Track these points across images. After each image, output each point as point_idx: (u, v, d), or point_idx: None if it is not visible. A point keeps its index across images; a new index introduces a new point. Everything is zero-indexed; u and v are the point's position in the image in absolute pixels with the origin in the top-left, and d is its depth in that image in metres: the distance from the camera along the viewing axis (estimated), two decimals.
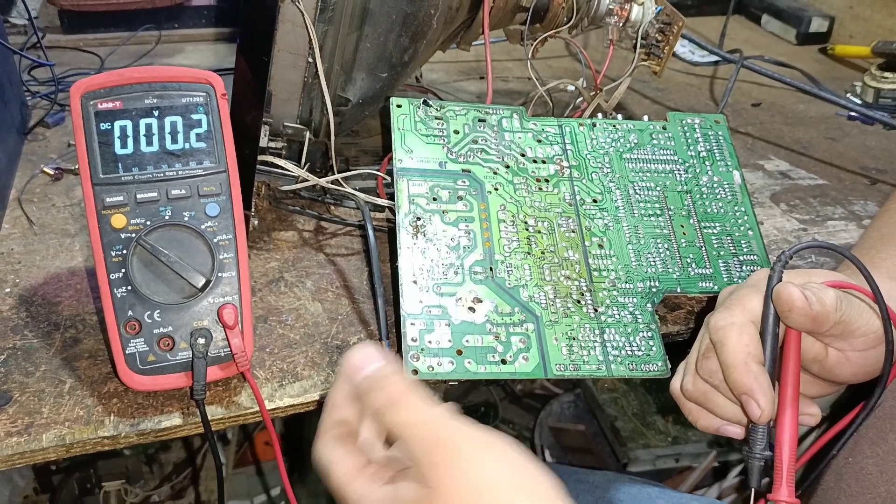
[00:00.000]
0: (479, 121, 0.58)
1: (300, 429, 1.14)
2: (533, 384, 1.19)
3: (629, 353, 0.50)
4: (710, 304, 0.56)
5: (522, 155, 0.57)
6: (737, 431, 0.43)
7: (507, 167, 0.56)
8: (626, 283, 0.53)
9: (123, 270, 0.43)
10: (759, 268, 0.55)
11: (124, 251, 0.43)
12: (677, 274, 0.54)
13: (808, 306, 0.39)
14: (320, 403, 0.47)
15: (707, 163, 0.60)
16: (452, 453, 0.31)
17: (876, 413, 0.41)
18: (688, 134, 0.61)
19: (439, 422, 0.32)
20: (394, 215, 0.53)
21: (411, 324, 0.48)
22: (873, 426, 0.42)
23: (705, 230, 0.57)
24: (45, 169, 0.68)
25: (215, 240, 0.45)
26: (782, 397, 0.40)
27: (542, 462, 0.33)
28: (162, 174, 0.44)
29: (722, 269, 0.55)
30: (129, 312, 0.43)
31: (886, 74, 0.92)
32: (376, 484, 0.32)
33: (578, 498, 0.55)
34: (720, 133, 0.62)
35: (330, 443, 0.34)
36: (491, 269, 0.51)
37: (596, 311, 0.51)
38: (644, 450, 1.03)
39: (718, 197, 0.58)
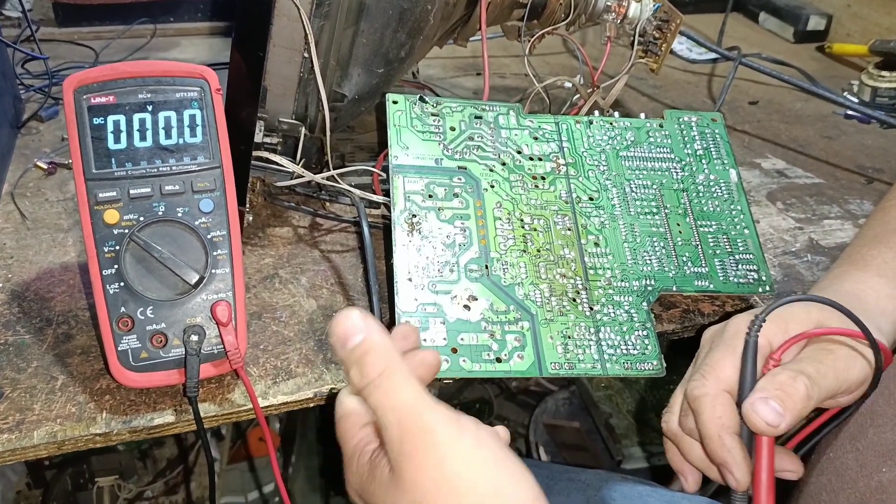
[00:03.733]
0: (476, 117, 0.58)
1: (294, 426, 1.14)
2: (528, 381, 1.19)
3: (624, 351, 0.50)
4: (705, 304, 0.56)
5: (519, 152, 0.57)
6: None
7: (504, 164, 0.56)
8: (622, 281, 0.53)
9: (116, 266, 0.43)
10: (754, 267, 0.55)
11: (117, 247, 0.43)
12: (673, 272, 0.54)
13: (774, 430, 0.38)
14: (314, 401, 0.47)
15: (703, 161, 0.60)
16: (425, 443, 0.31)
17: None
18: (684, 132, 0.61)
19: (415, 408, 0.32)
20: (389, 212, 0.52)
21: (406, 321, 0.48)
22: (853, 420, 0.42)
23: (701, 228, 0.56)
24: (39, 163, 0.67)
25: (209, 236, 0.45)
26: (757, 466, 0.39)
27: (518, 458, 0.32)
28: (155, 169, 0.44)
29: (718, 267, 0.55)
30: (122, 309, 0.43)
31: (883, 73, 0.92)
32: (365, 456, 0.34)
33: (570, 497, 0.55)
34: (717, 131, 0.62)
35: (346, 393, 0.36)
36: (486, 266, 0.51)
37: (591, 309, 0.51)
38: (638, 447, 1.03)
39: (715, 195, 0.58)
